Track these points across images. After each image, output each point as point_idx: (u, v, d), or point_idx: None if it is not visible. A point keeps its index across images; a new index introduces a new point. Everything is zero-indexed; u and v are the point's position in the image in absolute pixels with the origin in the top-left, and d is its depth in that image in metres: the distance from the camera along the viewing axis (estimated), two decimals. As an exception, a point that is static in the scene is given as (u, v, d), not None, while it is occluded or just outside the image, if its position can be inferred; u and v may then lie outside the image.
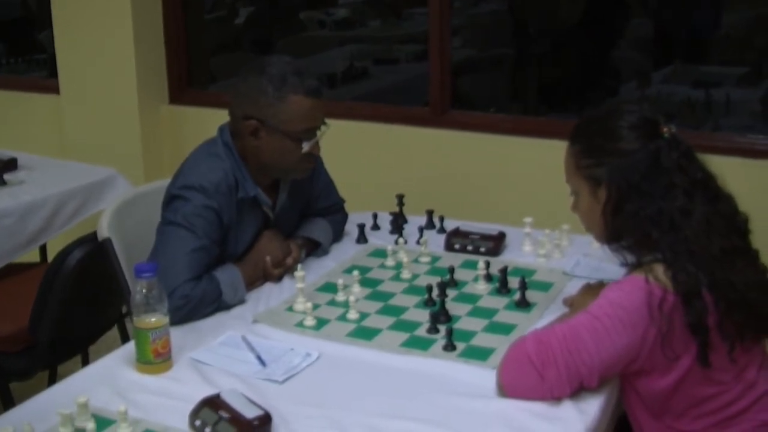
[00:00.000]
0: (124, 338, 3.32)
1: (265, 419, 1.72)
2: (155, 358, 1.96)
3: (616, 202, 1.93)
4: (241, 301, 2.32)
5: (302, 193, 2.62)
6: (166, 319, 1.97)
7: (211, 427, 1.70)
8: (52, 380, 3.20)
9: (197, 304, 2.22)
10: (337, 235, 2.74)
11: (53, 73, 4.59)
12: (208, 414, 1.73)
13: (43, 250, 3.63)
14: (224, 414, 1.71)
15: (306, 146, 2.38)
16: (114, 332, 3.31)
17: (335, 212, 2.75)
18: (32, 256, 3.48)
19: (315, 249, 2.63)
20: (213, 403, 1.75)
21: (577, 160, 2.02)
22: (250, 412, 1.71)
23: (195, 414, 1.75)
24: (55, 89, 4.44)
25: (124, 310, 3.23)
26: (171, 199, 2.35)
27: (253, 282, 2.40)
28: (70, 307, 2.81)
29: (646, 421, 1.97)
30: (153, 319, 1.95)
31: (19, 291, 3.10)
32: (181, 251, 2.25)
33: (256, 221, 2.47)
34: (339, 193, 2.78)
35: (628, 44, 4.54)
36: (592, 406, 1.83)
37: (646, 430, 1.97)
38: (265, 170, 2.44)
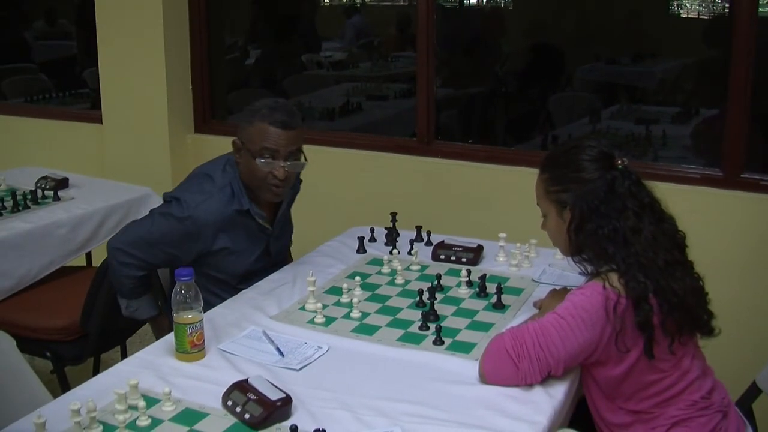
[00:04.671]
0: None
1: (287, 401, 1.74)
2: (191, 349, 1.99)
3: (578, 222, 1.96)
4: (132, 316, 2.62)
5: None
6: (201, 316, 2.00)
7: (241, 406, 1.72)
8: (96, 366, 3.22)
9: (116, 275, 2.53)
10: None
11: (95, 105, 4.60)
12: (238, 396, 1.75)
13: (88, 255, 3.63)
14: (252, 396, 1.74)
15: (259, 163, 2.41)
16: (147, 326, 3.31)
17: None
18: (80, 260, 3.49)
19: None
20: (242, 386, 1.78)
21: (546, 186, 2.05)
22: (273, 395, 1.74)
23: (227, 395, 1.77)
24: (98, 119, 4.45)
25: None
26: (170, 199, 2.51)
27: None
28: (115, 304, 2.82)
29: (601, 403, 2.00)
30: (190, 316, 1.98)
31: (71, 290, 3.12)
32: (140, 231, 2.50)
33: (253, 231, 2.52)
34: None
35: (580, 85, 4.59)
36: (559, 391, 1.86)
37: (601, 410, 2.00)
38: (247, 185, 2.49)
